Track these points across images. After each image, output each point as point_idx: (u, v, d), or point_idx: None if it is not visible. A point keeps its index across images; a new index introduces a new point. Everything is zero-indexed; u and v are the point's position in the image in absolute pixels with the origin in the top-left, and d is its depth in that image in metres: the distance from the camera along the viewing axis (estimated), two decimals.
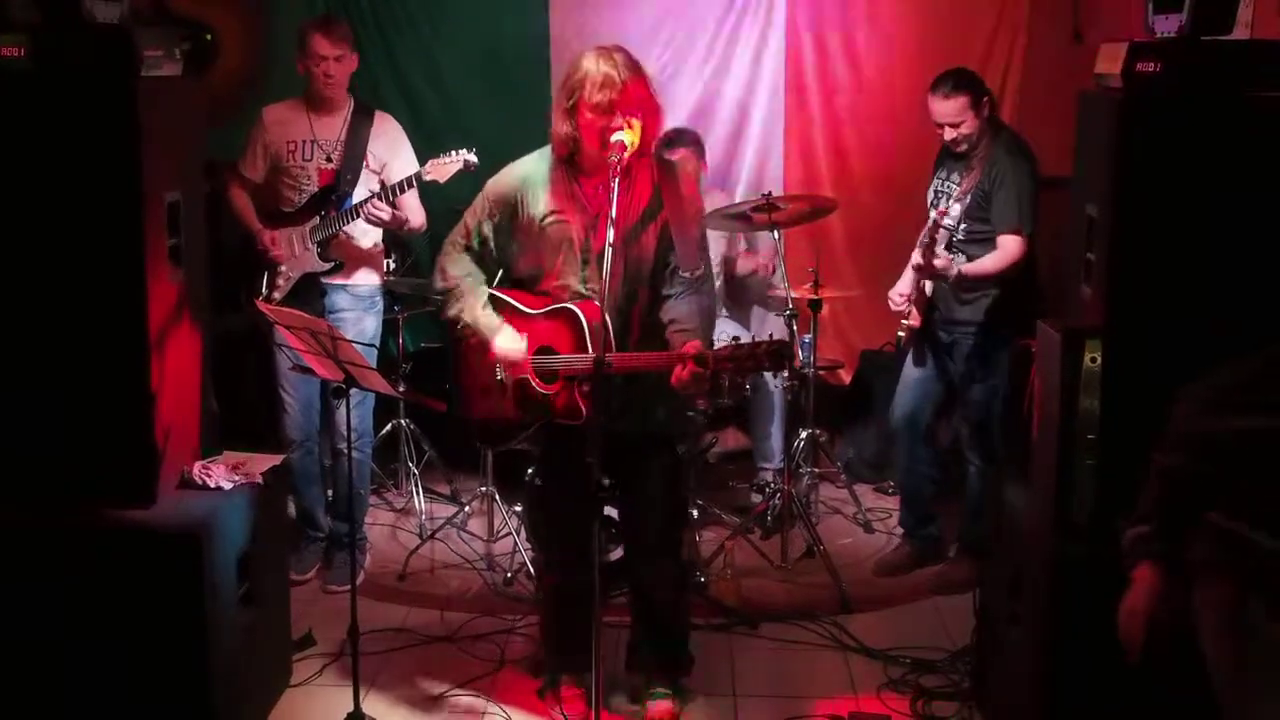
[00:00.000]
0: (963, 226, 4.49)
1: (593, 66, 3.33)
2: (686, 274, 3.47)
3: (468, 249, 3.61)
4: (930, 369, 4.76)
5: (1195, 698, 2.88)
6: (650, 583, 3.80)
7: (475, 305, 3.57)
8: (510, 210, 3.53)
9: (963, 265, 4.47)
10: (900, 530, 5.08)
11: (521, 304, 3.57)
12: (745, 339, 5.21)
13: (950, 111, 4.47)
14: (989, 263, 4.45)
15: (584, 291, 3.45)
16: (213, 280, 3.75)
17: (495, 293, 3.63)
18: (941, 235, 4.51)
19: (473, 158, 4.34)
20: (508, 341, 3.51)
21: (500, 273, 3.70)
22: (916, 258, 4.61)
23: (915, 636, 4.25)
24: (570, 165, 3.47)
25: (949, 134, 4.51)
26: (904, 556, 4.92)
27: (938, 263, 4.44)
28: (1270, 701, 2.56)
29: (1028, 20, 5.83)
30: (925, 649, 4.14)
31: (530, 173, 3.53)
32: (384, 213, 4.42)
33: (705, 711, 3.83)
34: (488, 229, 3.57)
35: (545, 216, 3.48)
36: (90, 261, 3.24)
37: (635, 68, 3.37)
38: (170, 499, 3.42)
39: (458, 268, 3.61)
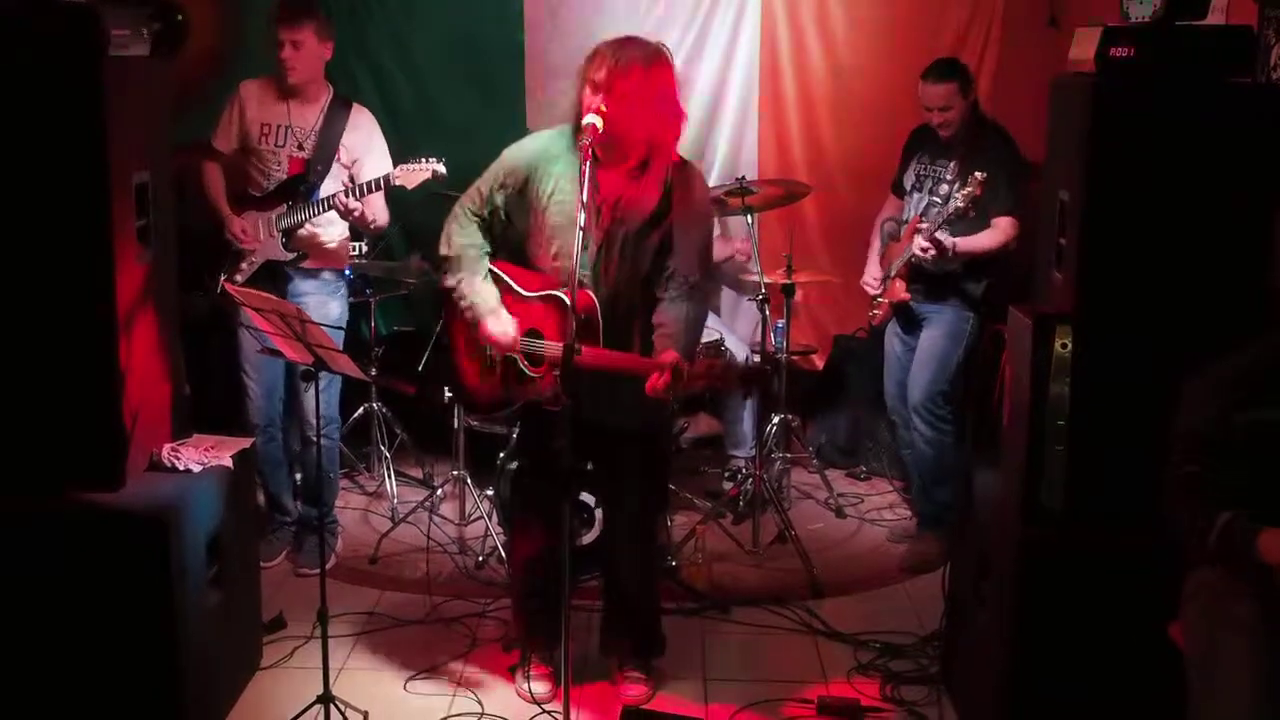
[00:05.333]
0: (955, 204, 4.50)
1: (602, 47, 3.37)
2: (683, 278, 3.46)
3: (477, 216, 3.59)
4: (911, 343, 4.82)
5: (1158, 683, 2.91)
6: (625, 566, 3.81)
7: (475, 279, 3.56)
8: (522, 182, 3.53)
9: (957, 241, 4.50)
10: (913, 518, 5.10)
11: (517, 282, 3.57)
12: (716, 325, 5.27)
13: (940, 96, 4.59)
14: (984, 239, 4.51)
15: (580, 275, 3.44)
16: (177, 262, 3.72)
17: (492, 268, 3.62)
18: (935, 217, 4.52)
19: (441, 169, 4.33)
20: (498, 326, 3.51)
21: (499, 246, 3.70)
22: (875, 266, 4.76)
23: (885, 621, 4.27)
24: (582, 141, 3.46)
25: (937, 118, 4.61)
26: (930, 545, 4.80)
27: (926, 251, 4.48)
28: (1238, 689, 2.58)
29: (1003, 4, 5.83)
30: (895, 633, 4.16)
31: (546, 147, 3.53)
32: (355, 208, 4.39)
33: (676, 695, 3.83)
34: (499, 199, 3.56)
35: (552, 194, 3.48)
36: (58, 243, 3.20)
37: (644, 60, 3.33)
38: (139, 481, 3.39)
39: (464, 236, 3.59)
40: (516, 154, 3.57)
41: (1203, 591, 2.73)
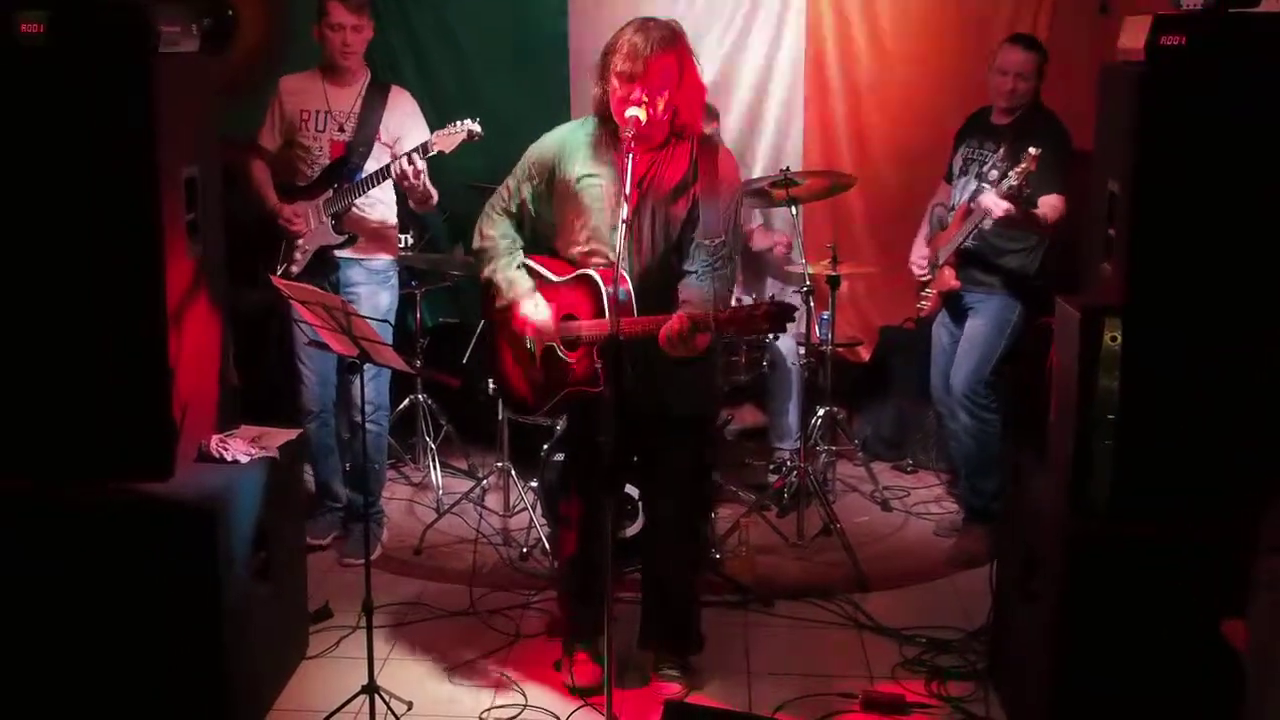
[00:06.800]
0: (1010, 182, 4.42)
1: (628, 35, 3.37)
2: (708, 242, 3.44)
3: (507, 212, 3.65)
4: (958, 334, 4.80)
5: (1208, 680, 2.87)
6: (663, 564, 3.81)
7: (508, 266, 3.61)
8: (549, 174, 3.57)
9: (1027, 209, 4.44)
10: (960, 512, 5.06)
11: (548, 270, 3.60)
12: None
13: (1021, 61, 4.57)
14: (1044, 213, 4.45)
15: (611, 257, 3.44)
16: (230, 255, 3.75)
17: (525, 260, 3.65)
18: (995, 192, 4.46)
19: (476, 127, 4.29)
20: (532, 308, 3.53)
21: (531, 239, 3.72)
22: (923, 247, 4.76)
23: (931, 616, 4.24)
24: (609, 130, 3.47)
25: (1008, 83, 4.58)
26: (977, 539, 4.76)
27: (1001, 209, 4.35)
28: None
29: None
30: (941, 628, 4.13)
31: (569, 136, 3.58)
32: (411, 170, 4.30)
33: (719, 689, 3.82)
34: (527, 192, 3.61)
35: (580, 179, 3.51)
36: (108, 237, 3.25)
37: (670, 43, 3.36)
38: (188, 472, 3.43)
39: (495, 228, 3.65)
40: (541, 147, 3.62)
41: (1275, 580, 2.66)
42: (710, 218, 3.46)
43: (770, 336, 5.14)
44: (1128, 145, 3.11)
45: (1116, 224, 3.21)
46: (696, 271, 3.46)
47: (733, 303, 3.75)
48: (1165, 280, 3.11)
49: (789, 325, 3.44)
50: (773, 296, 3.18)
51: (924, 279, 4.85)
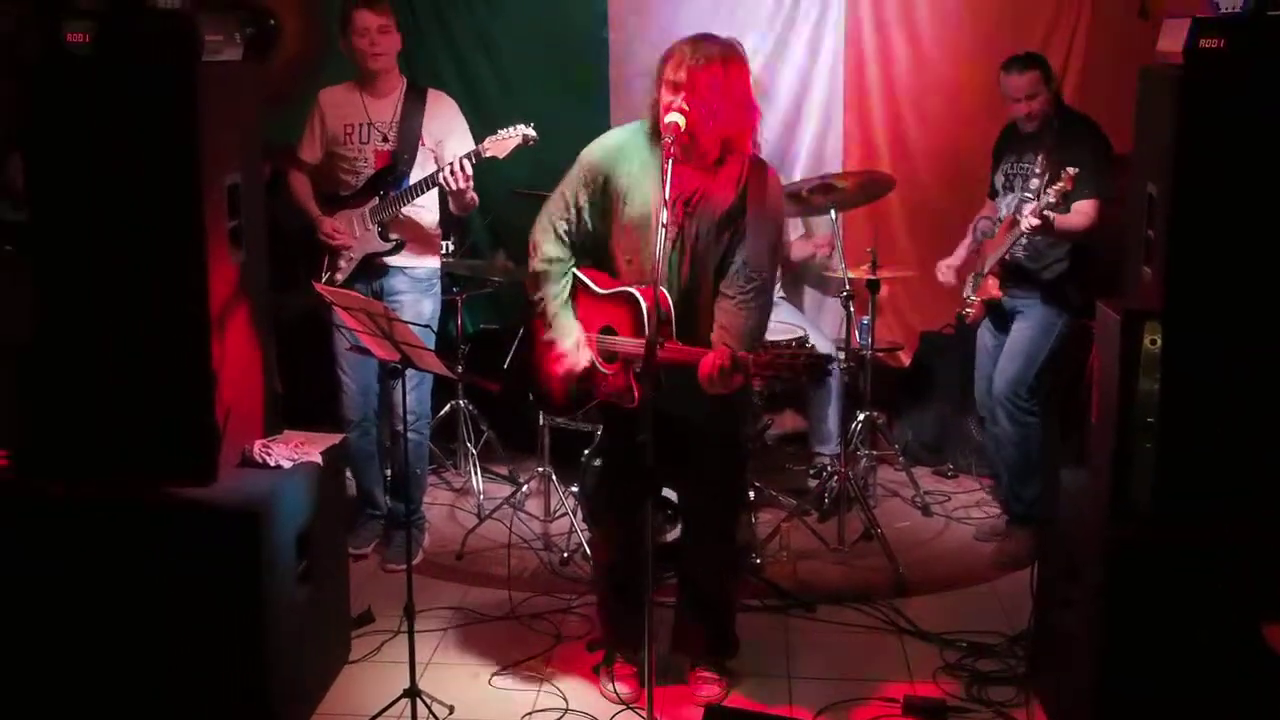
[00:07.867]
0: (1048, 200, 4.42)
1: (681, 44, 3.37)
2: (755, 275, 3.45)
3: (566, 224, 3.57)
4: (1003, 339, 4.78)
5: (1250, 685, 2.85)
6: (699, 566, 3.81)
7: (558, 299, 3.56)
8: (603, 181, 3.51)
9: (1056, 216, 4.41)
10: (1001, 516, 5.05)
11: (593, 282, 3.58)
12: (800, 323, 5.24)
13: (1025, 85, 4.57)
14: (1075, 220, 4.44)
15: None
16: (273, 261, 3.80)
17: (574, 271, 3.63)
18: (1032, 208, 4.47)
19: (531, 132, 4.30)
20: (573, 354, 3.50)
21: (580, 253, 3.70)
22: (956, 257, 4.80)
23: (972, 620, 4.22)
24: (660, 142, 3.43)
25: (1023, 109, 4.59)
26: (1019, 543, 4.74)
27: (1034, 229, 4.38)
28: None
29: None
30: (982, 633, 4.11)
31: (624, 143, 3.53)
32: (459, 175, 4.32)
33: (760, 692, 3.82)
34: (583, 199, 3.54)
35: (628, 192, 3.48)
36: (152, 244, 3.29)
37: (720, 58, 3.33)
38: (231, 477, 3.46)
39: (554, 249, 3.58)
40: (594, 152, 3.56)
41: None
42: (756, 249, 3.43)
43: (810, 343, 5.13)
44: (1166, 149, 3.10)
45: (1155, 227, 3.20)
46: (734, 297, 3.44)
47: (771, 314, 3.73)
48: (1204, 283, 3.10)
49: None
50: (812, 346, 3.16)
51: (955, 286, 4.84)
